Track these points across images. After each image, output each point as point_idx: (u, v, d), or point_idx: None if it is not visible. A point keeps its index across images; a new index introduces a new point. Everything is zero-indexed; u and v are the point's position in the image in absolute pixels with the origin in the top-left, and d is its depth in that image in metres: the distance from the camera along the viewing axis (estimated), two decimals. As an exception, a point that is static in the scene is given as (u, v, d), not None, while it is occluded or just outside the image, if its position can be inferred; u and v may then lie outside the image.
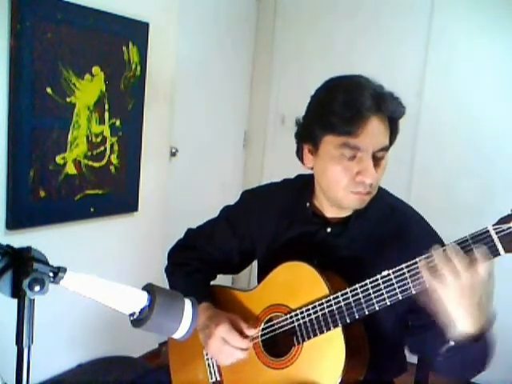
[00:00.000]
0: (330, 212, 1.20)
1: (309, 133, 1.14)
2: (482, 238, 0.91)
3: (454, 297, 0.91)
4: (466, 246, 0.92)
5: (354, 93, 1.06)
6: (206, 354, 1.27)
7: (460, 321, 0.94)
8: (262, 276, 1.25)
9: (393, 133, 1.12)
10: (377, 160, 1.08)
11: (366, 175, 1.06)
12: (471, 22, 2.76)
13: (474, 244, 0.91)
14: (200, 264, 1.37)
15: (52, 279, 0.70)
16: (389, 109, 1.07)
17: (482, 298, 0.91)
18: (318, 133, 1.10)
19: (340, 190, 1.10)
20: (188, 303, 0.81)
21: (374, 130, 1.05)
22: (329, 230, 1.20)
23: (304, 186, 1.25)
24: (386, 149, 1.10)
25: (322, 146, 1.11)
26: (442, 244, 0.96)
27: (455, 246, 0.91)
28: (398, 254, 1.01)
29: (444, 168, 2.86)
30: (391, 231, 1.15)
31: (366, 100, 1.04)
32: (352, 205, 1.13)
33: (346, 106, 1.05)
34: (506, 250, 0.90)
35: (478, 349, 0.96)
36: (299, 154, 1.20)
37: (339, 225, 1.19)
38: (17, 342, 0.69)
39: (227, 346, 1.15)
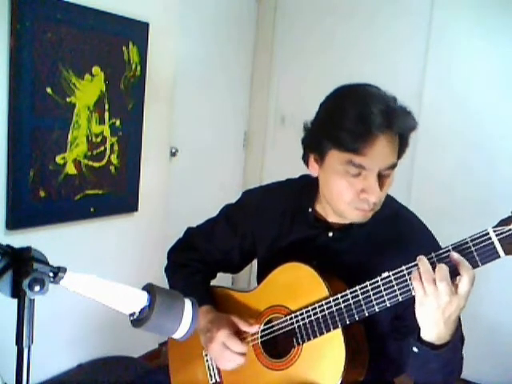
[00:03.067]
0: (333, 218, 1.19)
1: (315, 143, 1.12)
2: (482, 240, 0.91)
3: (429, 309, 0.93)
4: (465, 248, 0.93)
5: (365, 108, 1.02)
6: (206, 355, 1.27)
7: (424, 328, 0.96)
8: (261, 276, 1.25)
9: (402, 147, 1.10)
10: (382, 177, 1.06)
11: (370, 193, 1.05)
12: (471, 21, 2.76)
13: (474, 246, 0.92)
14: (200, 265, 1.37)
15: (52, 279, 0.70)
16: (400, 126, 1.04)
17: (451, 318, 0.93)
18: (325, 145, 1.08)
19: (343, 204, 1.09)
20: (188, 303, 0.81)
21: (381, 150, 1.02)
22: (330, 234, 1.19)
23: (307, 188, 1.23)
24: (393, 167, 1.07)
25: (328, 158, 1.08)
26: None
27: (445, 271, 0.90)
28: (400, 260, 1.00)
29: (444, 169, 2.85)
30: (393, 238, 1.14)
31: (376, 117, 1.00)
32: (354, 219, 1.11)
33: (354, 123, 1.01)
34: (507, 253, 0.90)
35: (438, 358, 0.97)
36: (305, 160, 1.18)
37: (341, 230, 1.18)
38: (17, 342, 0.69)
39: (228, 352, 1.14)
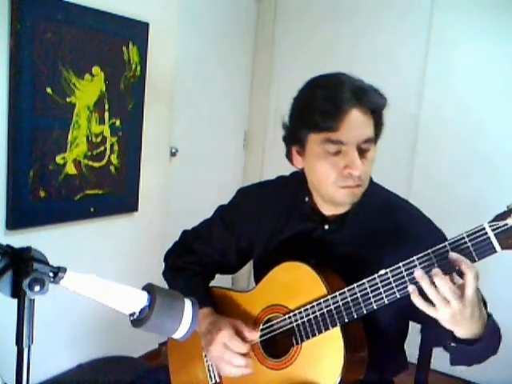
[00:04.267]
0: (327, 209, 1.20)
1: (294, 134, 1.15)
2: (478, 235, 0.92)
3: (446, 318, 0.93)
4: (462, 243, 0.93)
5: (333, 89, 1.07)
6: (206, 356, 1.27)
7: (454, 331, 0.96)
8: (259, 275, 1.25)
9: (377, 125, 1.12)
10: (363, 152, 1.08)
11: (353, 168, 1.07)
12: (471, 22, 2.76)
13: (471, 242, 0.92)
14: (198, 267, 1.37)
15: (52, 279, 0.70)
16: (369, 100, 1.07)
17: (475, 314, 0.93)
18: (302, 133, 1.12)
19: (330, 186, 1.11)
20: (188, 303, 0.81)
21: (355, 123, 1.06)
22: (326, 227, 1.20)
23: (300, 182, 1.24)
24: (370, 140, 1.09)
25: (308, 145, 1.12)
26: (443, 238, 0.96)
27: (442, 276, 0.90)
28: (397, 249, 1.01)
29: (444, 167, 2.86)
30: (389, 226, 1.15)
31: (345, 94, 1.05)
32: (344, 199, 1.13)
33: (324, 102, 1.05)
34: (503, 247, 0.90)
35: (478, 347, 0.97)
36: (289, 157, 1.21)
37: (337, 221, 1.19)
38: (17, 342, 0.69)
39: (228, 352, 1.14)
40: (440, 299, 0.90)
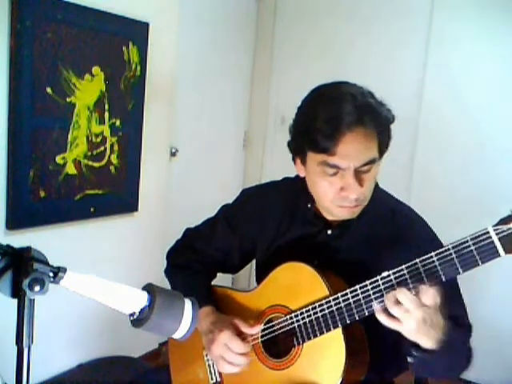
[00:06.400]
0: (330, 216, 1.20)
1: (296, 146, 1.15)
2: (482, 239, 0.92)
3: (410, 330, 0.93)
4: (465, 247, 0.93)
5: (335, 108, 1.03)
6: (206, 355, 1.27)
7: (418, 341, 0.96)
8: (260, 276, 1.25)
9: (383, 142, 1.09)
10: (361, 174, 1.07)
11: (349, 191, 1.06)
12: (471, 22, 2.76)
13: (474, 245, 0.92)
14: (200, 265, 1.37)
15: (52, 279, 0.70)
16: (373, 121, 1.04)
17: (433, 320, 0.93)
18: (303, 148, 1.11)
19: (328, 203, 1.12)
20: (188, 303, 0.81)
21: (353, 147, 1.03)
22: (329, 232, 1.20)
23: (305, 186, 1.23)
24: (371, 162, 1.07)
25: (308, 160, 1.12)
26: (441, 247, 0.96)
27: (403, 290, 0.92)
28: (399, 256, 1.01)
29: (444, 168, 2.85)
30: (392, 233, 1.15)
31: (346, 115, 1.02)
32: (342, 216, 1.14)
33: (324, 123, 1.03)
34: (507, 251, 0.90)
35: (442, 358, 0.98)
36: (294, 162, 1.21)
37: (340, 227, 1.19)
38: (17, 342, 0.69)
39: (229, 353, 1.14)
40: (402, 312, 0.91)
